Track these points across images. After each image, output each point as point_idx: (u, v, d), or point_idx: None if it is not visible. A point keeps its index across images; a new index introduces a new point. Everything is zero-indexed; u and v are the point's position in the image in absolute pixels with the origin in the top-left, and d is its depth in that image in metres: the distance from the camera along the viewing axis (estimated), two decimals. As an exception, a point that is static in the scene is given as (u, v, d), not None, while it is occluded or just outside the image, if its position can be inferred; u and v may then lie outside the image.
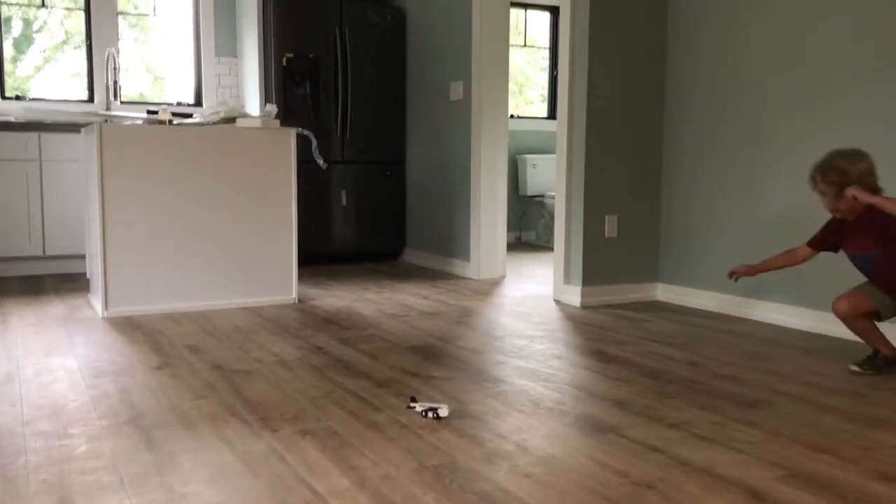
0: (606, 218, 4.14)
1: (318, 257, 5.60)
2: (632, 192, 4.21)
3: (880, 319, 2.82)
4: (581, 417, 2.30)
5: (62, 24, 5.74)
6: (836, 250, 2.94)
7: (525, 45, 7.28)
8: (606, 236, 4.15)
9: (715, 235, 3.99)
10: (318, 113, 5.58)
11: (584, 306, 4.07)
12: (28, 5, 5.58)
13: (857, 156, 2.74)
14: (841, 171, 2.71)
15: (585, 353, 3.09)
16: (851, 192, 2.67)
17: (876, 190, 2.70)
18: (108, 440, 2.06)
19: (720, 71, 3.93)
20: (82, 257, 5.03)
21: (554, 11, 7.29)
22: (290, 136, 4.06)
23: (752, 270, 3.16)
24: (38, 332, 3.39)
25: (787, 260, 3.06)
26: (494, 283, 4.87)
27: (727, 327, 3.61)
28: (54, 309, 3.89)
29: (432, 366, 2.87)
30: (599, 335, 3.43)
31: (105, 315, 3.69)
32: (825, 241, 2.94)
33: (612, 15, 4.07)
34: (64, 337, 3.29)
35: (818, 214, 2.97)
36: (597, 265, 4.13)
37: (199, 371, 2.76)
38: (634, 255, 4.25)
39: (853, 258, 2.86)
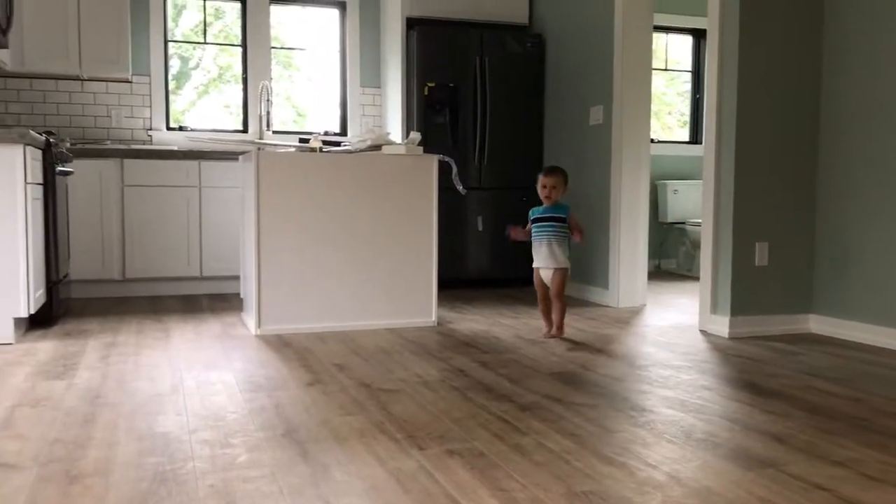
0: (757, 245, 3.97)
1: (453, 282, 5.66)
2: (784, 218, 4.03)
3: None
4: (736, 450, 2.20)
5: (215, 60, 6.14)
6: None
7: (666, 69, 7.15)
8: (756, 264, 3.98)
9: (875, 263, 3.75)
10: (457, 140, 5.68)
11: (732, 337, 3.91)
12: (189, 42, 6.00)
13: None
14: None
15: (736, 386, 2.96)
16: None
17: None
18: (267, 451, 2.16)
19: (884, 84, 3.71)
20: (235, 278, 5.31)
21: (696, 34, 7.13)
22: (433, 162, 4.15)
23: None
24: (196, 347, 3.59)
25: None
26: (634, 312, 4.76)
27: (891, 362, 3.37)
28: (210, 326, 4.12)
29: (575, 392, 2.83)
30: (751, 367, 3.28)
31: (257, 333, 3.87)
32: None
33: (762, 35, 3.93)
34: (220, 353, 3.48)
35: None
36: (746, 294, 3.97)
37: (347, 388, 2.84)
38: (786, 284, 4.05)
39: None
